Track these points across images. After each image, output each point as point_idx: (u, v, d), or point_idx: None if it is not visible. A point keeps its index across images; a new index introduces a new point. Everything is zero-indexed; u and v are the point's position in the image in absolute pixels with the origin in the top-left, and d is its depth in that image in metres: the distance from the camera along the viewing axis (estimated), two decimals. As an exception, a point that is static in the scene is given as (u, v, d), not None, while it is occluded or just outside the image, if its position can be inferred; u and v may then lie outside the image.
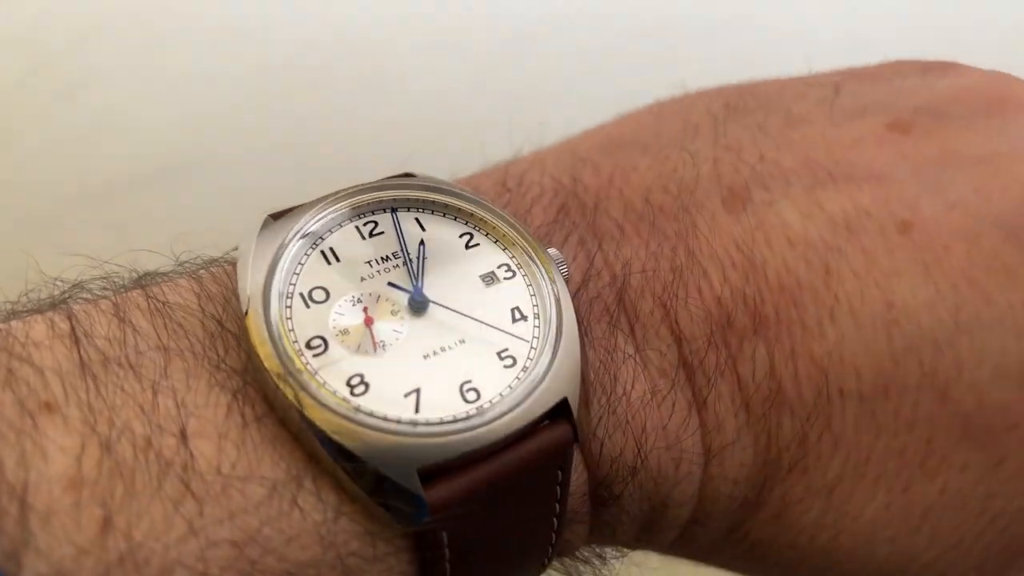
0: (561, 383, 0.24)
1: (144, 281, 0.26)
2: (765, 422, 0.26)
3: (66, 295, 0.26)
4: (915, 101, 0.30)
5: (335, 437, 0.22)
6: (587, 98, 0.51)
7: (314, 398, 0.22)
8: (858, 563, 0.27)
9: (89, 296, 0.26)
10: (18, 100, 0.47)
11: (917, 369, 0.25)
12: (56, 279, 0.26)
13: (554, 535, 0.26)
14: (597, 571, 0.30)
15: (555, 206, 0.30)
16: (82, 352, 0.23)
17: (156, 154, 0.49)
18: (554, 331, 0.25)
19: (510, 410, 0.23)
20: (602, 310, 0.27)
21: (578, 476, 0.26)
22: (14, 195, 0.47)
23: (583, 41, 0.52)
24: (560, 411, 0.24)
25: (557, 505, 0.26)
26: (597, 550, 0.30)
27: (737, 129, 0.30)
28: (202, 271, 0.27)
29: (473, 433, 0.23)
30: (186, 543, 0.21)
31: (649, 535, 0.29)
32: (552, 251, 0.27)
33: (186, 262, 0.28)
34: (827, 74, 0.34)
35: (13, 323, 0.24)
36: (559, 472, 0.25)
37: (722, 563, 0.30)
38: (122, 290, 0.26)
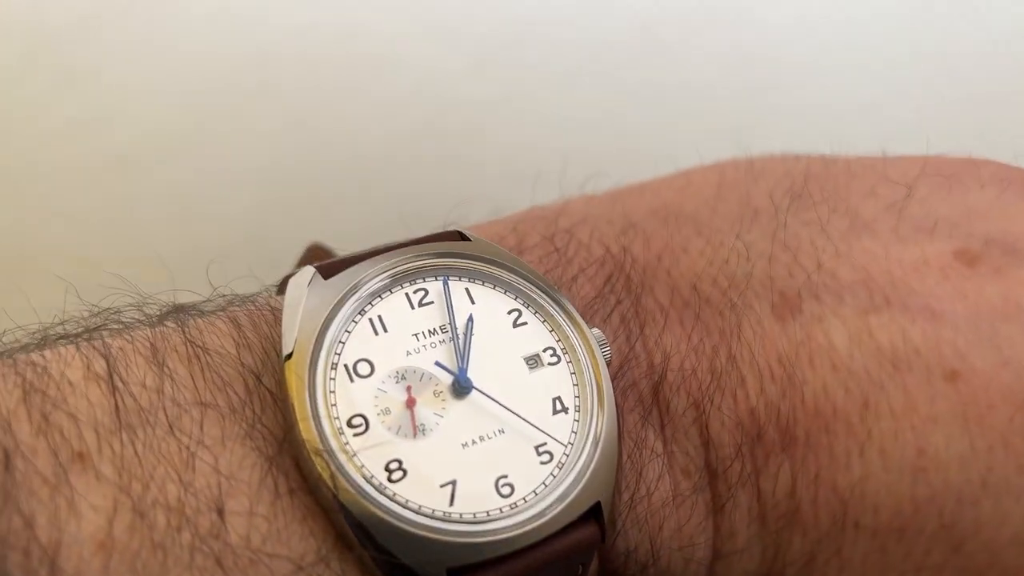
0: (596, 485, 0.24)
1: (179, 316, 0.26)
2: (776, 537, 0.27)
3: (99, 324, 0.25)
4: (988, 227, 0.29)
5: (367, 525, 0.22)
6: (600, 91, 0.51)
7: (350, 480, 0.22)
8: None
9: (122, 326, 0.25)
10: (17, 87, 0.45)
11: (936, 519, 0.25)
12: (93, 305, 0.26)
13: None
14: None
15: (602, 276, 0.29)
16: (118, 400, 0.22)
17: (157, 140, 0.48)
18: (593, 428, 0.25)
19: (544, 512, 0.23)
20: (636, 400, 0.27)
21: (593, 573, 0.26)
22: (16, 181, 0.46)
23: (589, 36, 0.50)
24: (591, 511, 0.24)
25: None
26: None
27: (797, 225, 0.29)
28: (239, 311, 0.26)
29: (506, 536, 0.23)
30: None
31: None
32: (596, 332, 0.27)
33: (222, 296, 0.27)
34: (902, 165, 0.32)
35: (47, 354, 0.23)
36: (580, 567, 0.25)
37: None
38: (156, 322, 0.26)
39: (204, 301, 0.27)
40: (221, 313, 0.26)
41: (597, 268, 0.29)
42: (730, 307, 0.28)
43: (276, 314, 0.26)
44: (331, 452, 0.22)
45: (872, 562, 0.26)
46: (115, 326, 0.25)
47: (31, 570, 0.19)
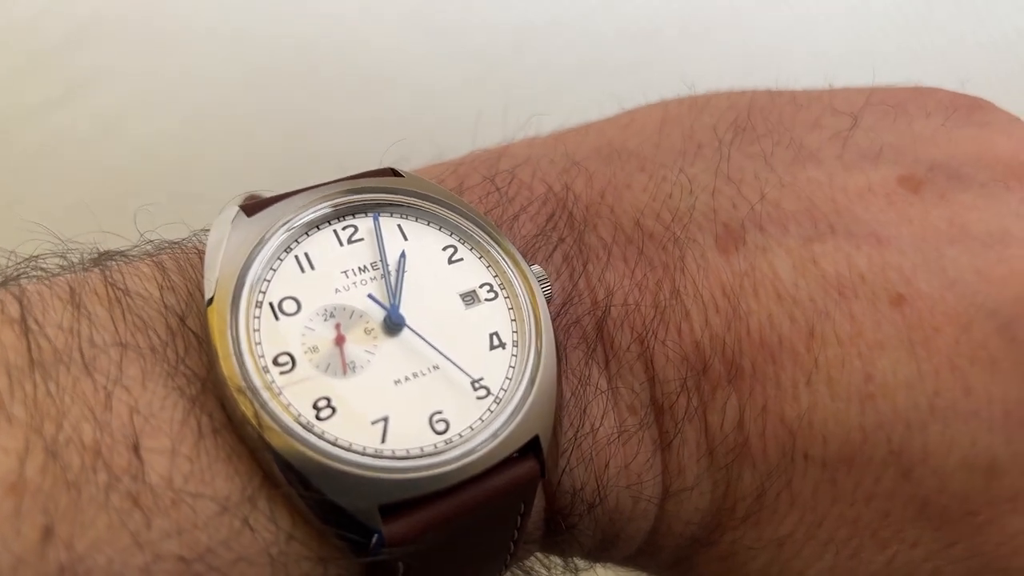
0: (534, 420, 0.24)
1: (103, 262, 0.25)
2: (726, 472, 0.26)
3: (18, 271, 0.24)
4: (933, 153, 0.28)
5: (295, 464, 0.21)
6: (585, 90, 0.50)
7: (275, 419, 0.21)
8: None
9: (43, 274, 0.24)
10: (14, 100, 0.45)
11: (885, 446, 0.25)
12: (10, 252, 0.25)
13: (509, 557, 0.26)
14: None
15: (544, 215, 0.28)
16: (31, 343, 0.21)
17: (154, 156, 0.47)
18: (531, 363, 0.24)
19: (479, 447, 0.23)
20: (580, 337, 0.27)
21: (537, 513, 0.26)
22: (10, 195, 0.45)
23: (581, 36, 0.50)
24: (530, 446, 0.24)
25: (515, 532, 0.25)
26: (543, 559, 0.30)
27: (741, 158, 0.29)
28: (164, 255, 0.25)
29: (439, 471, 0.22)
30: (131, 556, 0.20)
31: (596, 557, 0.29)
32: (536, 268, 0.26)
33: (149, 241, 0.26)
34: (848, 95, 0.32)
35: None
36: (522, 504, 0.24)
37: None
38: (80, 269, 0.25)
39: (130, 247, 0.26)
40: (146, 258, 0.25)
41: (539, 207, 0.29)
42: (673, 241, 0.27)
43: (202, 257, 0.25)
44: (254, 389, 0.21)
45: (823, 493, 0.26)
46: (35, 273, 0.24)
47: None
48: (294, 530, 0.22)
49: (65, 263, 0.25)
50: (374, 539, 0.21)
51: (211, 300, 0.22)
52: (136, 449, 0.21)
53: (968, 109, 0.31)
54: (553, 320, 0.26)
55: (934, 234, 0.26)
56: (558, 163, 0.30)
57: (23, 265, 0.25)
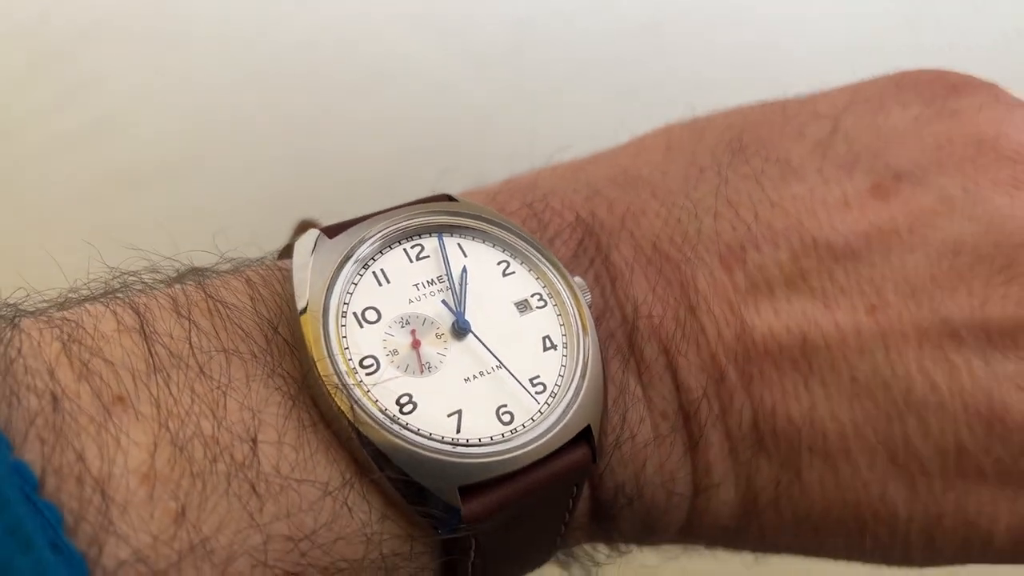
0: (586, 411, 0.27)
1: (195, 276, 0.28)
2: (747, 466, 0.30)
3: (121, 285, 0.27)
4: (900, 158, 0.32)
5: (385, 451, 0.24)
6: (585, 87, 0.53)
7: (367, 413, 0.25)
8: None
9: (143, 286, 0.27)
10: (19, 99, 0.47)
11: (872, 437, 0.29)
12: (112, 268, 0.28)
13: (559, 538, 0.29)
14: (587, 566, 0.33)
15: (575, 239, 0.32)
16: (150, 348, 0.24)
17: (159, 154, 0.49)
18: (581, 362, 0.28)
19: (541, 435, 0.26)
20: (615, 349, 0.30)
21: (583, 504, 0.29)
22: (16, 193, 0.47)
23: (581, 33, 0.52)
24: (583, 435, 0.27)
25: (567, 515, 0.28)
26: (589, 549, 0.33)
27: (737, 180, 0.32)
28: (250, 271, 0.28)
29: (508, 456, 0.25)
30: (249, 537, 0.23)
31: (640, 542, 0.32)
32: (577, 279, 0.29)
33: (232, 259, 0.29)
34: (834, 97, 0.35)
35: (77, 310, 0.25)
36: (575, 487, 0.28)
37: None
38: (173, 282, 0.28)
39: (217, 263, 0.29)
40: (234, 273, 0.28)
41: (570, 231, 0.32)
42: (685, 261, 0.31)
43: (284, 273, 0.28)
44: (348, 387, 0.25)
45: (827, 481, 0.29)
46: (136, 287, 0.27)
47: (84, 498, 0.21)
48: (386, 511, 0.25)
49: (160, 277, 0.28)
50: (454, 516, 0.25)
51: (304, 309, 0.26)
52: (252, 442, 0.24)
53: (945, 93, 0.34)
54: (594, 322, 0.29)
55: (898, 243, 0.30)
56: (581, 192, 0.33)
57: (124, 279, 0.28)
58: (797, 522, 0.30)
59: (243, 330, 0.26)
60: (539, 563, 0.30)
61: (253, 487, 0.23)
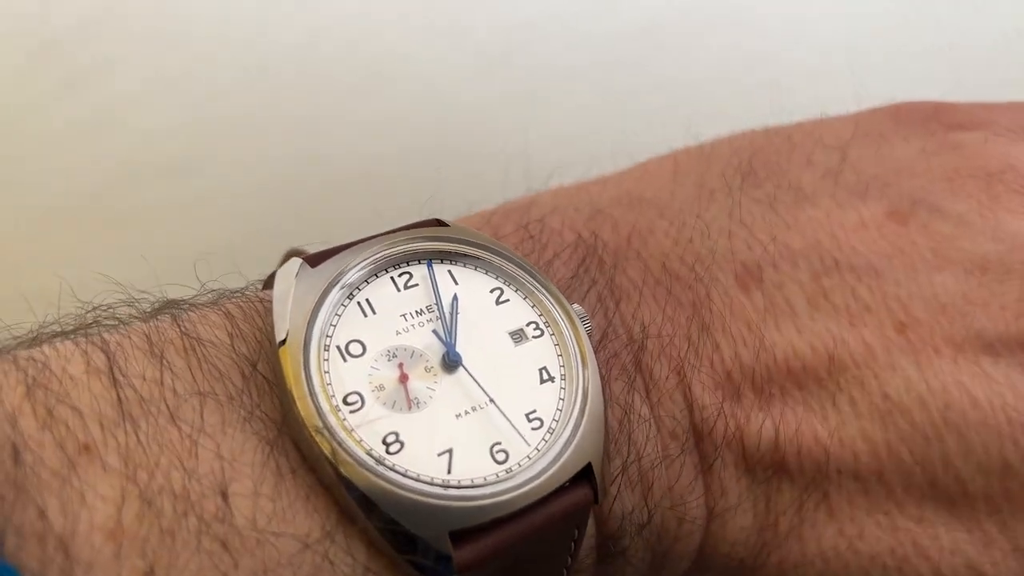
0: (586, 448, 0.25)
1: (171, 309, 0.26)
2: (766, 487, 0.28)
3: (94, 320, 0.26)
4: (913, 186, 0.31)
5: (370, 496, 0.23)
6: (585, 88, 0.52)
7: (351, 454, 0.23)
8: None
9: (116, 322, 0.26)
10: (19, 93, 0.46)
11: (908, 458, 0.27)
12: (85, 303, 0.26)
13: None
14: None
15: (575, 260, 0.30)
16: (120, 393, 0.23)
17: (159, 150, 0.48)
18: (580, 395, 0.26)
19: (538, 475, 0.24)
20: (620, 369, 0.28)
21: (589, 537, 0.27)
22: (14, 191, 0.46)
23: (581, 33, 0.52)
24: (583, 474, 0.25)
25: (569, 559, 0.27)
26: None
27: (749, 203, 0.31)
28: (229, 304, 0.27)
29: (503, 498, 0.24)
30: None
31: None
32: (576, 307, 0.28)
33: (211, 291, 0.28)
34: (836, 127, 0.34)
35: (46, 350, 0.24)
36: (575, 530, 0.26)
37: None
38: (149, 316, 0.26)
39: (195, 295, 0.27)
40: (213, 306, 0.27)
41: (571, 252, 0.31)
42: (698, 281, 0.30)
43: (266, 305, 0.26)
44: (330, 428, 0.23)
45: (857, 503, 0.28)
46: (110, 322, 0.26)
47: (47, 558, 0.20)
48: (370, 562, 0.23)
49: (135, 312, 0.26)
50: (446, 565, 0.23)
51: (283, 342, 0.24)
52: (223, 494, 0.22)
53: (946, 127, 0.34)
54: (594, 353, 0.28)
55: (923, 264, 0.29)
56: (583, 211, 0.32)
57: (97, 313, 0.26)
58: (823, 555, 0.28)
59: (219, 370, 0.24)
60: None
61: (225, 544, 0.22)
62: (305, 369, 0.24)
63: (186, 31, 0.47)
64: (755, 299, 0.29)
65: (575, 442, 0.25)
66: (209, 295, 0.28)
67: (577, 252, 0.31)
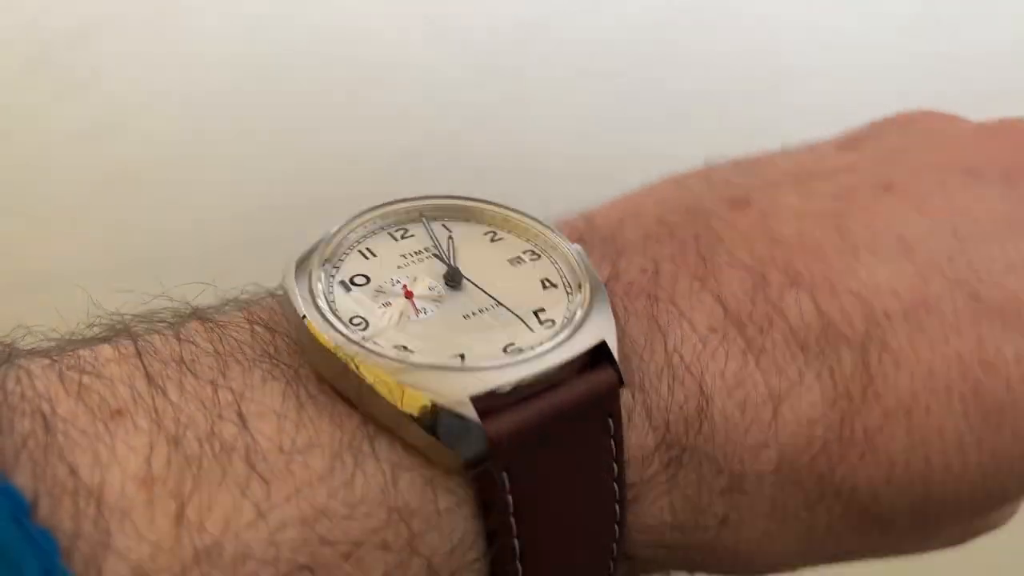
0: (599, 328, 0.25)
1: (198, 313, 0.28)
2: (824, 357, 0.27)
3: (125, 325, 0.27)
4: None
5: (391, 383, 0.23)
6: (586, 87, 0.53)
7: (368, 357, 0.23)
8: (952, 481, 0.27)
9: (148, 327, 0.27)
10: (19, 95, 0.48)
11: (942, 279, 0.28)
12: (114, 313, 0.28)
13: (617, 506, 0.26)
14: None
15: (573, 239, 0.32)
16: (146, 363, 0.24)
17: (161, 152, 0.50)
18: (587, 291, 0.26)
19: (553, 349, 0.24)
20: (639, 291, 0.29)
21: (642, 435, 0.26)
22: (14, 191, 0.48)
23: (581, 32, 0.53)
24: (601, 356, 0.25)
25: (615, 466, 0.26)
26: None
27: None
28: (249, 305, 0.28)
29: (521, 367, 0.24)
30: (256, 529, 0.21)
31: (734, 508, 0.28)
32: (576, 247, 0.29)
33: (231, 300, 0.29)
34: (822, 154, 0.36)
35: (76, 347, 0.25)
36: (610, 420, 0.25)
37: (821, 543, 0.29)
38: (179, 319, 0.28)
39: (218, 304, 0.29)
40: (232, 303, 0.28)
41: (568, 232, 0.32)
42: (693, 219, 0.31)
43: (278, 298, 0.28)
44: (344, 345, 0.24)
45: (917, 341, 0.27)
46: (143, 325, 0.27)
47: (80, 513, 0.20)
48: (401, 462, 0.23)
49: (160, 318, 0.28)
50: (475, 437, 0.22)
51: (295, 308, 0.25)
52: (244, 422, 0.23)
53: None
54: (606, 284, 0.28)
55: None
56: (572, 214, 0.34)
57: (130, 321, 0.27)
58: (903, 406, 0.27)
59: (237, 339, 0.25)
60: (603, 542, 0.26)
61: (253, 468, 0.22)
62: (314, 302, 0.25)
63: (185, 31, 0.49)
64: (751, 213, 0.31)
65: (586, 323, 0.25)
66: (232, 302, 0.29)
67: (574, 233, 0.32)
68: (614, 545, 0.27)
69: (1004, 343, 0.27)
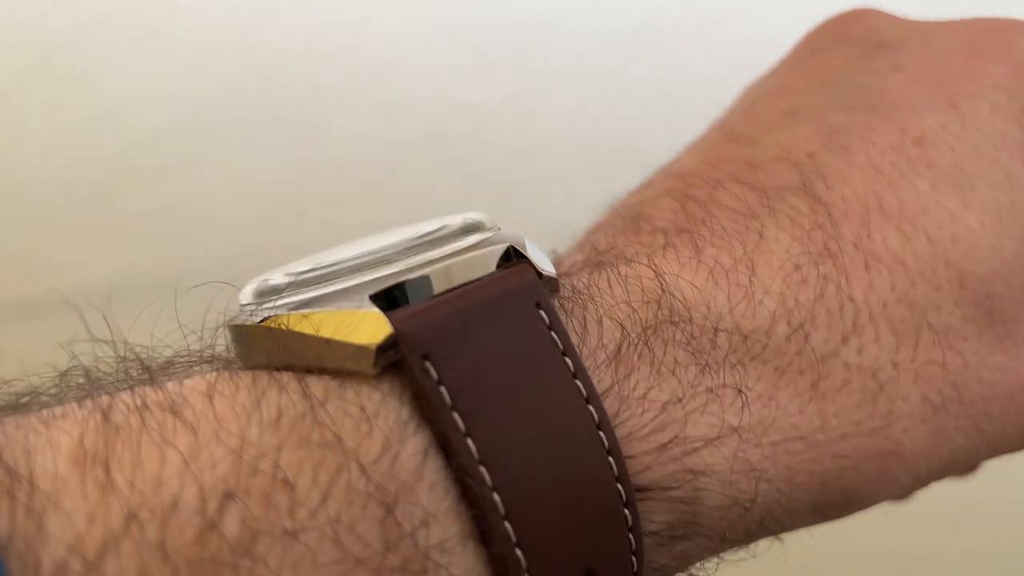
0: (511, 239, 0.25)
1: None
2: (776, 213, 0.28)
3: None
4: None
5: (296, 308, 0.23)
6: (586, 86, 0.53)
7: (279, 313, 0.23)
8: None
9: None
10: (20, 95, 0.48)
11: (836, 113, 0.30)
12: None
13: (592, 407, 0.23)
14: None
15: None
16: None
17: (160, 151, 0.49)
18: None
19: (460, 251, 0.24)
20: (583, 265, 0.28)
21: (606, 335, 0.25)
22: (15, 191, 0.48)
23: (581, 32, 0.54)
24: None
25: (568, 361, 0.23)
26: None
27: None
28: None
29: (425, 270, 0.23)
30: (184, 476, 0.20)
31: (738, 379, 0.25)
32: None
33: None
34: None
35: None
36: (542, 313, 0.23)
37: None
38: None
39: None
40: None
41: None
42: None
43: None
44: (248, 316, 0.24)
45: (845, 157, 0.28)
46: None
47: (16, 505, 0.19)
48: (328, 383, 0.22)
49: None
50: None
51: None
52: (173, 387, 0.22)
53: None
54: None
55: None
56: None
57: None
58: (866, 206, 0.27)
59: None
60: (586, 450, 0.23)
61: (178, 416, 0.21)
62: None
63: (185, 32, 0.50)
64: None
65: (497, 237, 0.25)
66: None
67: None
68: (610, 460, 0.23)
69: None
